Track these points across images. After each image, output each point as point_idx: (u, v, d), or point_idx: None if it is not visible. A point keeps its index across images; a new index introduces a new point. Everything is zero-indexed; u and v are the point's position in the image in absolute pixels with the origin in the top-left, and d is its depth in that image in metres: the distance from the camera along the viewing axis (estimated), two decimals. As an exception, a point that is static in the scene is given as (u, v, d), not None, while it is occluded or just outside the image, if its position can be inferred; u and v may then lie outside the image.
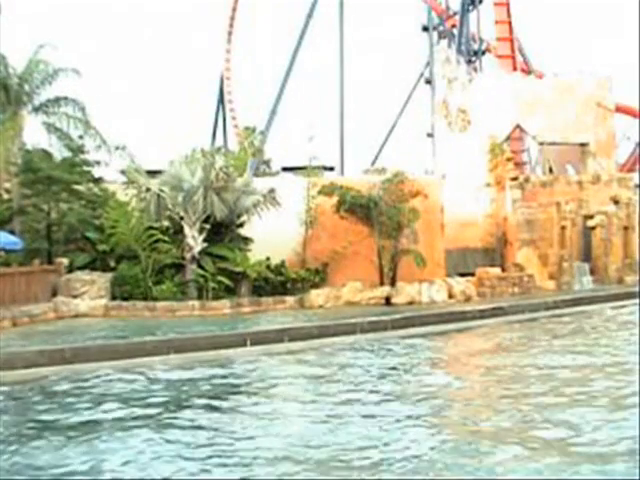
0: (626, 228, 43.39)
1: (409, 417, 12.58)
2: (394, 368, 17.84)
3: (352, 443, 11.00)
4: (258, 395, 15.03)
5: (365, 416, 12.67)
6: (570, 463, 9.84)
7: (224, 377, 17.15)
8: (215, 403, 14.09)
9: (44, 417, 13.36)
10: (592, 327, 25.66)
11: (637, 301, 32.61)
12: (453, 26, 66.23)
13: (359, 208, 35.00)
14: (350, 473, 9.82)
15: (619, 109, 53.20)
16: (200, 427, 12.20)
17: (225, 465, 10.30)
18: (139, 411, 13.47)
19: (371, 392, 14.87)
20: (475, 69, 60.09)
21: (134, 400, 14.45)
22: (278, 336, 21.98)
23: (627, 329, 24.62)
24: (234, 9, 73.29)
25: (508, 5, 58.07)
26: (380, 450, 10.70)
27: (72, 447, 11.17)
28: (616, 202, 43.50)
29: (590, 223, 42.58)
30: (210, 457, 10.58)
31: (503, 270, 39.52)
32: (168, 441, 11.34)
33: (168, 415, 13.20)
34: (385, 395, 14.47)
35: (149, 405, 14.04)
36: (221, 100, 73.00)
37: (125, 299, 30.98)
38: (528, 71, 59.22)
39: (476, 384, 16.15)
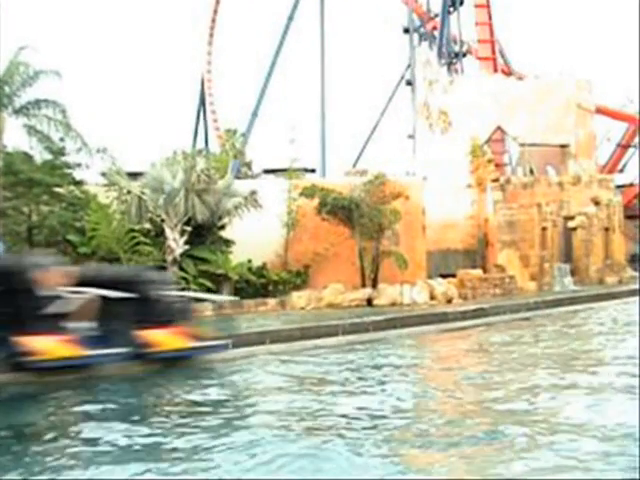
0: (607, 229, 43.63)
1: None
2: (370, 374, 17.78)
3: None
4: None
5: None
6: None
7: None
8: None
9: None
10: (572, 329, 25.70)
11: (618, 302, 32.87)
12: (434, 28, 66.46)
13: (340, 210, 34.99)
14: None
15: (599, 111, 53.40)
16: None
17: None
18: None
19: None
20: (456, 71, 60.37)
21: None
22: (260, 338, 21.91)
23: (605, 332, 24.62)
24: (215, 11, 73.28)
25: (489, 7, 58.34)
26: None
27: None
28: (597, 203, 43.71)
29: (571, 224, 42.78)
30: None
31: (484, 271, 39.60)
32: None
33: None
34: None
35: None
36: (202, 102, 72.99)
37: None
38: (509, 73, 59.47)
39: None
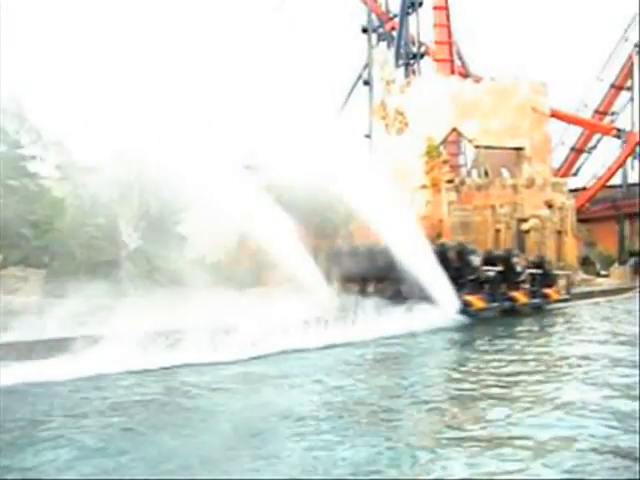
0: (559, 232, 44.04)
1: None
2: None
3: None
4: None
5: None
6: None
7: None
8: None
9: None
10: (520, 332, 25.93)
11: (570, 304, 33.48)
12: (392, 29, 66.73)
13: (295, 208, 34.97)
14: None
15: (554, 114, 53.91)
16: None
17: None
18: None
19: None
20: (413, 72, 60.65)
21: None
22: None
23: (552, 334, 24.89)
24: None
25: (447, 9, 58.66)
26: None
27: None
28: (550, 206, 44.11)
29: (524, 226, 43.13)
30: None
31: (438, 272, 39.80)
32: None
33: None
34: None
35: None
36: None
37: (59, 297, 30.68)
38: (465, 75, 59.81)
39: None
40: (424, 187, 44.41)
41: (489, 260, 30.12)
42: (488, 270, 29.48)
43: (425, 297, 26.35)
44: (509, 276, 30.49)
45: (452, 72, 56.81)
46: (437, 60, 59.60)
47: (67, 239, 31.58)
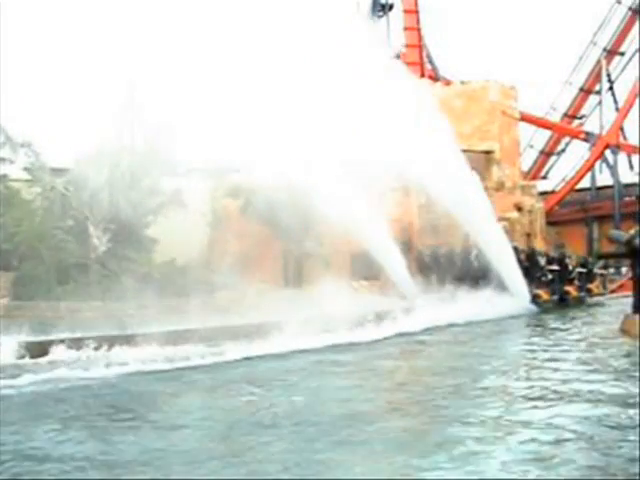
0: (529, 235, 44.21)
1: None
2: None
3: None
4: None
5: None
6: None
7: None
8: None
9: None
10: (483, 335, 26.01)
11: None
12: (363, 32, 66.73)
13: (265, 210, 34.97)
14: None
15: (523, 118, 54.16)
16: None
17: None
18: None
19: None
20: (384, 75, 60.58)
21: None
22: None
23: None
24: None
25: (417, 13, 58.77)
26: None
27: None
28: (519, 209, 44.29)
29: (494, 229, 43.24)
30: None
31: (408, 274, 39.86)
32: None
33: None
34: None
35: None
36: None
37: (28, 299, 30.55)
38: (436, 78, 59.88)
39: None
40: (394, 190, 44.37)
41: (548, 261, 36.27)
42: (550, 269, 35.64)
43: (499, 291, 31.48)
44: (564, 274, 36.43)
45: (422, 75, 56.86)
46: (407, 63, 59.63)
47: (36, 242, 31.45)
